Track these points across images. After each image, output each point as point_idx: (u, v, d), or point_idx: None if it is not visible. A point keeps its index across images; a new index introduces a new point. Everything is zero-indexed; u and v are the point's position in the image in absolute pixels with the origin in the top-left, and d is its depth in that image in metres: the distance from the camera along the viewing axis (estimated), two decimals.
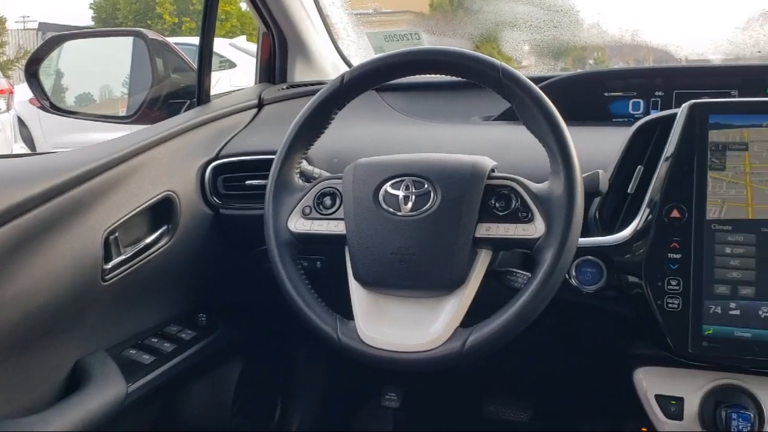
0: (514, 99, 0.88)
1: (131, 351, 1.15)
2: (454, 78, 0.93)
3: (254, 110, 1.48)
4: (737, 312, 0.89)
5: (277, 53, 1.61)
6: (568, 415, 1.67)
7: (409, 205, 0.88)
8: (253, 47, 1.90)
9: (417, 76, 0.97)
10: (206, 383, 1.40)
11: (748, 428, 0.90)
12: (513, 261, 0.97)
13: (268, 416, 1.62)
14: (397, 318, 0.88)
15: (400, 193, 0.89)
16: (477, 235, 0.86)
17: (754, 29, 1.64)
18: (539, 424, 1.68)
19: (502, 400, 1.70)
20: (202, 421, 1.40)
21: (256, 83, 1.63)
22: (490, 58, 0.89)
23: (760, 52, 1.59)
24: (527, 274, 0.89)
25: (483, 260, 0.87)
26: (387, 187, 0.90)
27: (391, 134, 1.33)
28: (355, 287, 0.91)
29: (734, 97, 1.24)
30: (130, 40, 1.53)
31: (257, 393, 1.56)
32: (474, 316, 0.85)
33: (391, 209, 0.89)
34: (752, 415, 0.91)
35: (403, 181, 0.90)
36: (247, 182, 1.25)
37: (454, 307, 0.85)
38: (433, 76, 0.96)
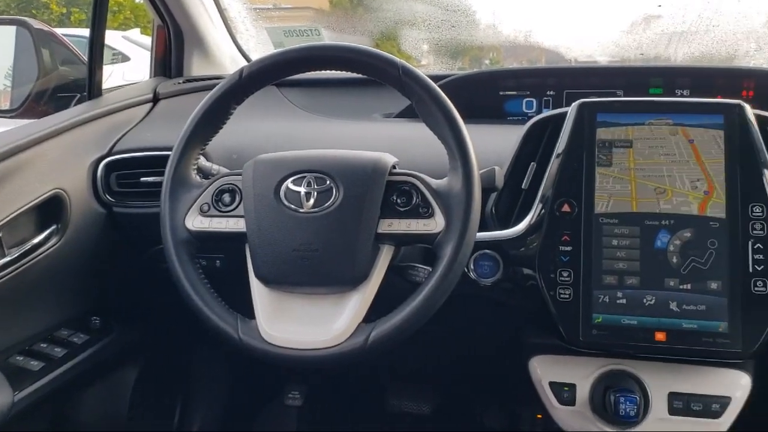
0: (414, 96, 0.89)
1: (18, 357, 1.09)
2: (354, 75, 0.93)
3: (149, 105, 1.43)
4: (624, 301, 0.94)
5: (173, 47, 1.57)
6: (468, 404, 1.71)
7: (311, 201, 0.87)
8: (147, 40, 1.84)
9: (318, 72, 0.97)
10: (101, 388, 1.34)
11: (635, 411, 0.95)
12: (414, 256, 0.99)
13: (166, 420, 1.57)
14: (299, 315, 0.87)
15: (302, 190, 0.88)
16: (379, 231, 0.87)
17: (637, 32, 1.74)
18: (440, 415, 1.72)
19: (404, 393, 1.73)
20: (96, 428, 1.34)
21: (150, 77, 1.58)
22: (390, 55, 0.90)
23: (642, 54, 1.69)
24: (428, 268, 0.91)
25: (385, 256, 0.88)
26: (288, 183, 0.89)
27: (291, 130, 1.32)
28: (256, 285, 0.90)
29: (620, 96, 1.31)
30: (12, 29, 1.44)
31: (155, 397, 1.52)
32: (377, 311, 0.86)
33: (293, 206, 0.88)
34: (638, 398, 0.96)
35: (304, 177, 0.89)
36: (142, 179, 1.21)
37: (356, 303, 0.85)
38: (333, 72, 0.96)
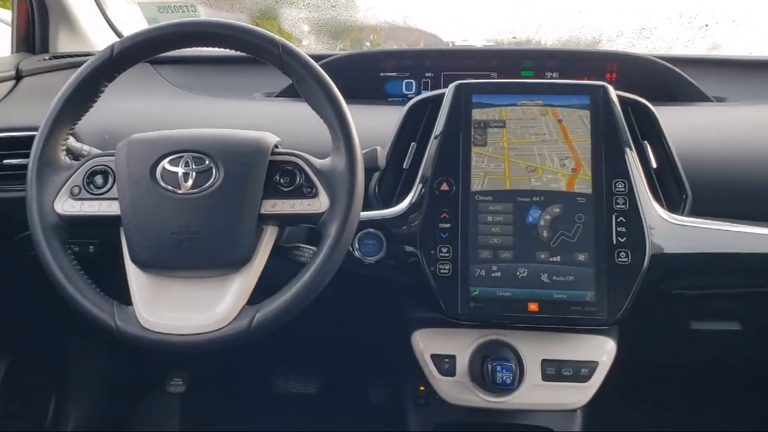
0: (295, 75, 0.88)
1: None
2: (233, 52, 0.91)
3: (11, 82, 1.33)
4: (499, 274, 0.98)
5: (36, 21, 1.47)
6: (355, 380, 1.74)
7: (190, 182, 0.85)
8: (7, 14, 1.71)
9: (195, 49, 0.94)
10: None
11: (511, 379, 1.00)
12: (299, 236, 0.99)
13: (39, 417, 1.49)
14: (179, 300, 0.85)
15: (180, 170, 0.86)
16: (262, 211, 0.86)
17: (510, 17, 1.80)
18: (328, 392, 1.73)
19: (290, 374, 1.73)
20: None
21: (12, 53, 1.47)
22: (270, 33, 0.89)
23: (515, 38, 1.75)
24: (313, 248, 0.91)
25: (269, 237, 0.87)
26: (165, 163, 0.86)
27: (167, 109, 1.27)
28: (132, 270, 0.86)
29: (494, 78, 1.36)
30: None
31: (26, 393, 1.43)
32: (262, 293, 0.86)
33: (171, 187, 0.85)
34: (513, 366, 1.01)
35: (182, 157, 0.87)
36: (5, 161, 1.13)
37: (240, 286, 0.84)
38: (212, 50, 0.94)
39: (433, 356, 1.06)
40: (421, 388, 1.27)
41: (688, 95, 1.30)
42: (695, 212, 1.04)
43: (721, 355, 1.47)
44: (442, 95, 1.06)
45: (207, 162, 0.86)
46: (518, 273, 0.98)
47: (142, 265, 0.86)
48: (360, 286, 1.14)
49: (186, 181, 0.85)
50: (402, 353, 1.11)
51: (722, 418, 1.62)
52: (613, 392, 1.07)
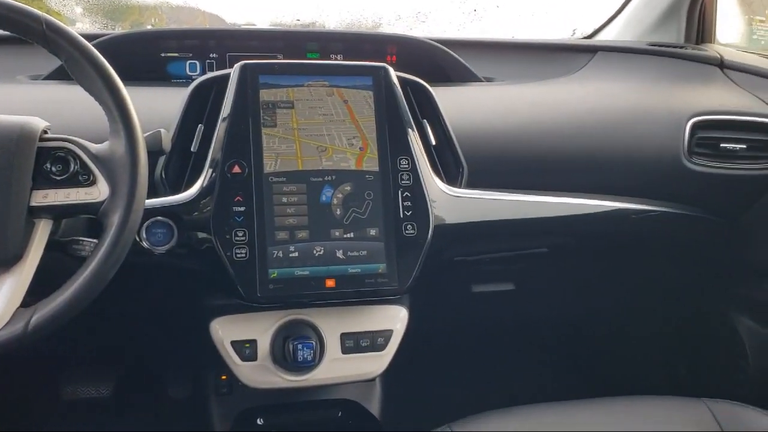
0: (63, 55, 0.81)
1: None
2: None
3: None
4: (296, 254, 0.99)
5: None
6: (152, 378, 1.66)
7: None
8: None
9: None
10: None
11: (311, 355, 1.01)
12: (79, 228, 0.92)
13: None
14: None
15: None
16: (32, 203, 0.79)
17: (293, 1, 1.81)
18: (122, 394, 1.64)
19: (79, 378, 1.61)
20: None
21: None
22: (30, 8, 0.80)
23: (299, 20, 1.76)
24: (94, 241, 0.85)
25: (42, 231, 0.80)
26: None
27: None
28: None
29: (280, 59, 1.36)
30: None
31: None
32: (39, 293, 0.78)
33: None
34: (314, 343, 1.02)
35: None
36: None
37: (11, 287, 0.77)
38: None
39: (234, 343, 1.04)
40: (223, 377, 1.25)
41: (461, 76, 1.39)
42: (473, 185, 1.13)
43: (500, 313, 1.61)
44: (227, 76, 1.03)
45: None
46: (315, 251, 0.99)
47: None
48: (151, 278, 1.09)
49: None
50: (201, 344, 1.08)
51: (504, 371, 1.79)
52: (408, 358, 1.13)
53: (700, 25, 1.61)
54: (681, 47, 1.56)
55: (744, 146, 1.32)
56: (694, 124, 1.30)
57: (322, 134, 1.03)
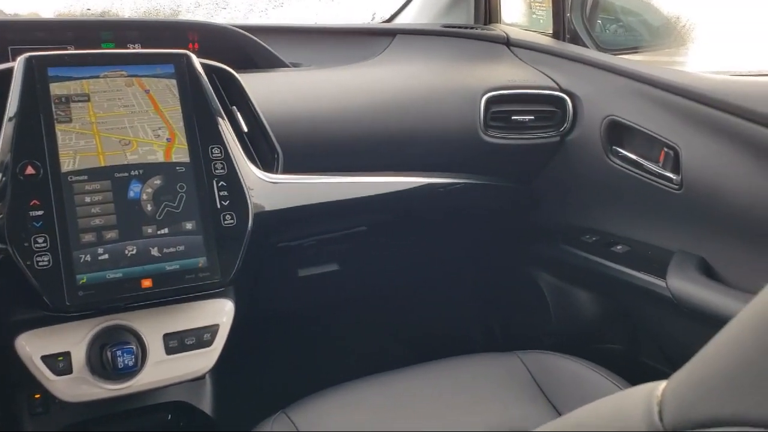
0: None
1: None
2: None
3: None
4: (106, 256, 0.93)
5: None
6: None
7: None
8: None
9: None
10: None
11: (133, 361, 0.96)
12: None
13: None
14: None
15: None
16: None
17: None
18: None
19: None
20: None
21: None
22: None
23: (90, 9, 1.65)
24: None
25: None
26: None
27: None
28: None
29: (71, 50, 1.26)
30: None
31: None
32: None
33: None
34: (135, 347, 0.97)
35: None
36: None
37: None
38: None
39: (45, 357, 0.96)
40: (36, 396, 1.16)
41: (268, 62, 1.39)
42: (290, 170, 1.13)
43: (328, 294, 1.64)
44: (10, 70, 0.95)
45: None
46: (126, 251, 0.94)
47: None
48: None
49: None
50: (7, 363, 0.98)
51: (337, 351, 1.83)
52: (239, 350, 1.11)
53: (487, 7, 1.73)
54: (472, 28, 1.67)
55: (532, 117, 1.44)
56: (488, 99, 1.40)
57: (124, 127, 0.98)
